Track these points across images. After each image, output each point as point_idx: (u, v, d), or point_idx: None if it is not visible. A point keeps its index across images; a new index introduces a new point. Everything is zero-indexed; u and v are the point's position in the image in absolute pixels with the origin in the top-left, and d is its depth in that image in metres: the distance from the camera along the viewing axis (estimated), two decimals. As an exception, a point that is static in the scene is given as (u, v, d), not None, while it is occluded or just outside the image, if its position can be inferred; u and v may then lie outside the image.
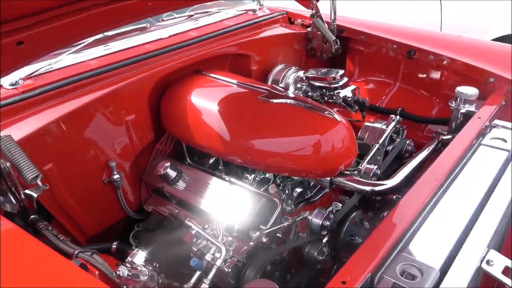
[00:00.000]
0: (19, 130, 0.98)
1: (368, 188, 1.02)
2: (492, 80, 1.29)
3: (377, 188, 1.01)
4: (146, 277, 0.78)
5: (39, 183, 0.85)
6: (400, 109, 1.49)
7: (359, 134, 1.36)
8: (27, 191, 0.86)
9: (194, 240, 0.94)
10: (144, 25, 1.39)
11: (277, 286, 0.62)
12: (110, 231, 1.28)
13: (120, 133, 1.21)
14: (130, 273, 0.75)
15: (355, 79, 1.76)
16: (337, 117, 1.05)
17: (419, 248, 0.73)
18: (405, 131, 1.38)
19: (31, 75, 1.11)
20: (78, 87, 1.13)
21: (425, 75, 1.49)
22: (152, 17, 1.43)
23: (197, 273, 0.84)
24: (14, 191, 0.89)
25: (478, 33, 2.44)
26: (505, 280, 0.83)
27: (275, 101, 1.09)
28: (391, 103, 1.57)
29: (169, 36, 1.39)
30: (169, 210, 1.24)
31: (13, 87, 1.07)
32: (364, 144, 1.33)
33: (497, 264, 0.85)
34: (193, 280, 0.84)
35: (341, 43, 1.72)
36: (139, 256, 0.83)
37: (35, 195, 0.86)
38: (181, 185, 1.24)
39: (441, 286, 0.67)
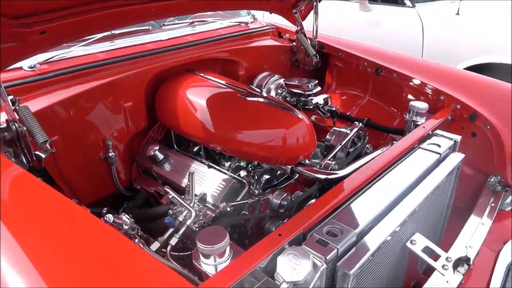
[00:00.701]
0: (34, 104, 1.17)
1: (322, 176, 1.21)
2: (442, 98, 1.50)
3: (330, 177, 1.20)
4: (127, 227, 0.96)
5: (48, 146, 1.05)
6: (366, 118, 1.69)
7: (327, 136, 1.56)
8: (37, 152, 1.05)
9: (171, 205, 1.13)
10: (147, 27, 1.60)
11: (225, 229, 0.80)
12: (101, 206, 1.46)
13: (118, 117, 1.41)
14: (115, 220, 0.93)
15: (332, 91, 1.97)
16: (300, 115, 1.25)
17: (346, 217, 0.92)
18: (367, 137, 1.58)
19: (47, 61, 1.31)
20: (85, 74, 1.33)
21: (389, 91, 1.69)
22: (155, 21, 1.64)
23: (170, 230, 1.03)
24: (26, 152, 1.07)
25: (455, 61, 2.68)
26: (423, 256, 1.02)
27: (250, 99, 1.30)
28: (360, 113, 1.77)
29: (168, 39, 1.60)
30: (155, 188, 1.42)
31: (31, 69, 1.27)
32: (330, 145, 1.52)
33: (419, 244, 1.04)
34: (166, 235, 1.02)
35: (322, 58, 1.93)
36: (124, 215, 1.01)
37: (43, 156, 1.05)
38: (167, 167, 1.43)
39: (355, 247, 0.86)
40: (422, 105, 1.44)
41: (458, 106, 1.45)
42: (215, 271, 0.79)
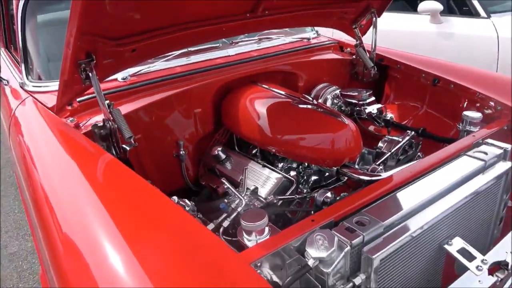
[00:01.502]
0: (124, 108, 1.44)
1: (366, 178, 1.30)
2: (500, 108, 1.49)
3: (372, 178, 1.29)
4: (189, 208, 1.16)
5: (132, 141, 1.29)
6: (422, 128, 1.72)
7: (379, 144, 1.63)
8: (123, 145, 1.31)
9: (227, 196, 1.31)
10: (218, 44, 1.83)
11: (265, 212, 0.95)
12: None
13: (189, 122, 1.64)
14: (179, 202, 1.14)
15: (391, 101, 2.02)
16: (346, 121, 1.36)
17: (377, 211, 1.01)
18: (420, 145, 1.62)
19: (136, 74, 1.60)
20: (165, 84, 1.58)
21: (446, 101, 1.71)
22: (226, 39, 1.87)
23: (224, 214, 1.21)
24: (115, 146, 1.34)
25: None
26: (458, 256, 1.06)
27: (302, 106, 1.44)
28: (416, 123, 1.80)
29: (235, 54, 1.81)
30: (218, 184, 1.62)
31: (124, 80, 1.56)
32: (381, 152, 1.60)
33: (455, 245, 1.09)
34: (220, 219, 1.20)
35: (382, 70, 2.01)
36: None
37: (128, 148, 1.30)
38: (228, 165, 1.62)
39: (382, 236, 0.95)
40: (475, 115, 1.45)
41: (514, 114, 1.44)
42: (255, 245, 0.94)
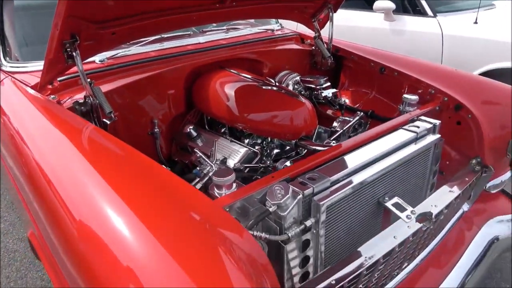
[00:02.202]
0: (102, 88, 1.57)
1: (319, 148, 1.51)
2: (433, 91, 1.74)
3: (324, 148, 1.49)
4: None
5: (112, 116, 1.43)
6: (370, 111, 1.95)
7: (334, 123, 1.85)
8: (104, 120, 1.44)
9: (199, 165, 1.48)
10: (189, 32, 1.99)
11: (232, 170, 1.13)
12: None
13: (163, 102, 1.79)
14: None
15: (345, 88, 2.25)
16: (304, 100, 1.56)
17: (325, 170, 1.20)
18: (368, 125, 1.85)
19: (112, 57, 1.72)
20: (140, 67, 1.72)
21: (391, 87, 1.95)
22: (196, 27, 2.02)
23: (197, 179, 1.38)
24: (96, 121, 1.47)
25: (473, 67, 2.86)
26: (392, 208, 1.28)
27: (265, 87, 1.63)
28: (366, 106, 2.04)
29: (205, 42, 1.97)
30: (190, 159, 1.78)
31: (101, 62, 1.68)
32: (335, 130, 1.81)
33: (391, 201, 1.31)
34: (193, 183, 1.37)
35: (338, 60, 2.23)
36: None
37: (108, 122, 1.44)
38: (199, 142, 1.79)
39: (329, 189, 1.15)
40: (412, 97, 1.69)
41: (446, 99, 1.69)
42: (223, 198, 1.11)
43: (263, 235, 1.03)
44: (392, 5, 3.29)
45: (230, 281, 0.76)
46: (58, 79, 1.57)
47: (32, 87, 1.56)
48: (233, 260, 0.80)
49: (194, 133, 1.78)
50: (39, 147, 1.24)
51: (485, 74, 2.79)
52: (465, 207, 1.72)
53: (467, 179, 1.51)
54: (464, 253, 1.58)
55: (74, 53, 1.34)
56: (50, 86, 1.56)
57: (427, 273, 1.48)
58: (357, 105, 2.08)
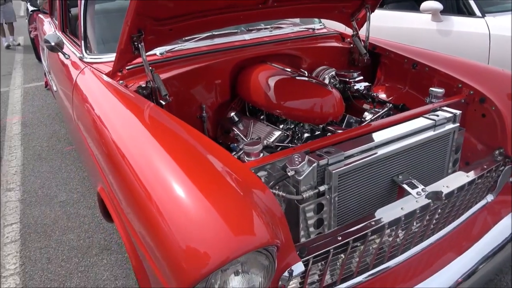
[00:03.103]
0: (161, 76, 1.87)
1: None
2: (460, 85, 1.84)
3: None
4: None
5: (167, 98, 1.71)
6: (402, 104, 2.07)
7: (364, 114, 2.00)
8: (161, 101, 1.73)
9: (237, 141, 1.72)
10: (236, 30, 2.24)
11: (260, 141, 1.34)
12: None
13: (211, 90, 2.05)
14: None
15: (381, 83, 2.38)
16: (332, 89, 1.74)
17: (342, 146, 1.38)
18: (396, 116, 1.97)
19: (170, 50, 2.02)
20: (193, 59, 2.00)
21: (422, 82, 2.06)
22: (243, 26, 2.27)
23: (233, 153, 1.61)
24: (155, 101, 1.76)
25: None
26: (405, 186, 1.42)
27: (298, 78, 1.83)
28: (398, 100, 2.15)
29: (250, 39, 2.22)
30: (232, 142, 2.03)
31: (161, 55, 1.99)
32: (365, 120, 1.97)
33: (405, 180, 1.46)
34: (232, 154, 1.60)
35: (374, 57, 2.37)
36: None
37: (163, 103, 1.72)
38: (240, 126, 2.03)
39: (343, 162, 1.32)
40: (439, 90, 1.80)
41: (471, 92, 1.78)
42: (252, 163, 1.34)
43: (281, 193, 1.24)
44: (440, 6, 3.31)
45: (253, 225, 0.99)
46: (127, 67, 1.89)
47: (106, 74, 1.90)
48: (256, 210, 1.02)
49: (236, 118, 2.02)
50: (111, 121, 1.55)
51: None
52: (490, 197, 1.79)
53: (485, 166, 1.60)
54: (481, 239, 1.65)
55: (139, 45, 1.65)
56: (119, 74, 1.89)
57: (443, 253, 1.59)
58: (390, 98, 2.20)
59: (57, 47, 2.16)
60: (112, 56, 2.08)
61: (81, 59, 2.18)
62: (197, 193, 1.04)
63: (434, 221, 1.50)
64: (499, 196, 1.79)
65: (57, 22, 3.10)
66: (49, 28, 3.65)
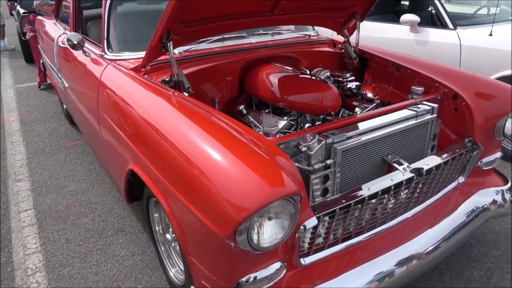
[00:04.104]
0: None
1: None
2: (436, 85, 2.18)
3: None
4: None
5: (190, 90, 1.97)
6: (387, 102, 2.40)
7: (355, 110, 2.32)
8: (184, 92, 1.98)
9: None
10: (244, 34, 2.53)
11: (277, 125, 1.62)
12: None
13: (222, 86, 2.32)
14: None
15: (368, 84, 2.71)
16: (331, 85, 2.05)
17: (343, 129, 1.68)
18: (383, 111, 2.30)
19: (187, 50, 2.28)
20: (207, 58, 2.27)
21: (404, 82, 2.39)
22: (249, 30, 2.56)
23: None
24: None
25: (487, 74, 3.23)
26: (393, 163, 1.73)
27: (301, 76, 2.13)
28: (384, 98, 2.49)
29: (256, 42, 2.51)
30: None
31: (179, 54, 2.25)
32: (355, 113, 2.28)
33: (393, 159, 1.77)
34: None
35: (363, 61, 2.70)
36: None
37: (186, 94, 1.98)
38: (250, 118, 2.30)
39: (346, 141, 1.62)
40: (418, 88, 2.13)
41: (446, 90, 2.13)
42: (270, 142, 1.62)
43: (297, 164, 1.52)
44: (417, 18, 3.71)
45: (282, 179, 1.26)
46: (150, 64, 2.14)
47: (131, 69, 2.14)
48: (284, 170, 1.29)
49: (245, 111, 2.29)
50: (144, 106, 1.81)
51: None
52: (461, 179, 2.12)
53: (457, 150, 1.93)
54: (453, 214, 1.97)
55: (168, 44, 1.91)
56: (143, 69, 2.13)
57: (420, 222, 1.90)
58: (377, 97, 2.53)
59: (79, 45, 2.40)
60: (131, 54, 2.35)
61: (102, 56, 2.41)
62: (232, 157, 1.32)
63: (416, 194, 1.82)
64: (468, 178, 2.13)
65: (69, 24, 3.30)
66: (55, 29, 3.84)
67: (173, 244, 2.01)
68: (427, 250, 1.76)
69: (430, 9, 4.08)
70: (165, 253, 2.08)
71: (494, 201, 2.10)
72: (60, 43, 3.24)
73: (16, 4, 8.41)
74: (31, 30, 5.55)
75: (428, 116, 1.92)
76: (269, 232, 1.25)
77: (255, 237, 1.23)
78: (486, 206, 2.07)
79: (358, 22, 2.59)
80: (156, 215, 2.07)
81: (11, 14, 9.38)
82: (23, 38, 6.81)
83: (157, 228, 2.10)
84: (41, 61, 5.29)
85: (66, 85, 3.19)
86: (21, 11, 7.06)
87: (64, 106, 4.34)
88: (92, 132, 2.64)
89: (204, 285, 1.50)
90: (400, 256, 1.69)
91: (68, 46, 2.48)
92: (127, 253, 2.34)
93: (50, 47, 3.74)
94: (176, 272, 2.01)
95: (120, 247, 2.39)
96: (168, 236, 2.01)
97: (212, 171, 1.30)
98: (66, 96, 3.35)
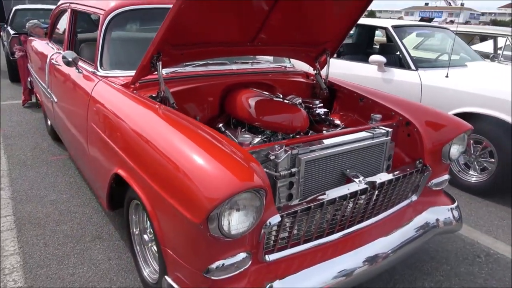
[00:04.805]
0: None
1: (308, 141, 2.23)
2: (393, 113, 2.48)
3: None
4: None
5: (174, 105, 2.20)
6: (350, 128, 2.67)
7: (323, 131, 2.59)
8: (169, 107, 2.20)
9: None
10: (226, 62, 2.81)
11: (251, 137, 1.85)
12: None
13: (204, 105, 2.56)
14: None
15: (336, 112, 3.00)
16: (301, 108, 2.31)
17: (308, 144, 1.92)
18: (347, 135, 2.57)
19: (174, 72, 2.53)
20: (191, 80, 2.52)
21: (367, 112, 2.69)
22: (230, 58, 2.85)
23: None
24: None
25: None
26: (350, 176, 1.98)
27: (275, 99, 2.40)
28: (349, 125, 2.77)
29: (236, 69, 2.79)
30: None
31: (166, 74, 2.49)
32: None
33: (352, 173, 2.02)
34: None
35: (332, 92, 3.01)
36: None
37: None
38: (227, 134, 2.53)
39: (309, 153, 1.86)
40: (377, 115, 2.42)
41: (400, 118, 2.42)
42: (243, 151, 1.84)
43: (266, 170, 1.74)
44: (384, 59, 4.12)
45: (251, 175, 1.48)
46: (139, 81, 2.37)
47: (121, 85, 2.36)
48: (253, 170, 1.51)
49: (223, 129, 2.52)
50: (132, 116, 2.02)
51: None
52: (414, 197, 2.38)
53: (408, 169, 2.20)
54: (405, 226, 2.21)
55: (157, 63, 2.15)
56: (132, 86, 2.36)
57: (376, 232, 2.12)
58: (343, 123, 2.82)
59: (73, 62, 2.62)
60: (120, 73, 2.58)
61: (94, 73, 2.63)
62: (208, 156, 1.55)
63: (371, 206, 2.05)
64: (420, 197, 2.39)
65: (63, 45, 3.52)
66: (47, 49, 4.05)
67: (149, 245, 2.16)
68: (379, 255, 1.97)
69: (397, 53, 4.51)
70: (140, 254, 2.22)
71: (443, 218, 2.36)
72: (53, 61, 3.45)
73: (5, 25, 8.61)
74: (20, 49, 5.73)
75: (383, 138, 2.20)
76: (236, 221, 1.45)
77: (225, 224, 1.43)
78: (434, 222, 2.32)
79: (328, 57, 2.92)
80: (135, 217, 2.22)
81: (-2, 37, 9.54)
82: (11, 58, 6.97)
83: (134, 230, 2.24)
84: (28, 79, 5.44)
85: (55, 100, 3.36)
86: (11, 32, 7.26)
87: (49, 122, 4.48)
88: (78, 143, 2.80)
89: (177, 276, 1.66)
90: (354, 258, 1.90)
91: (62, 63, 2.69)
92: (104, 258, 2.45)
93: (42, 65, 3.93)
94: (149, 272, 2.14)
95: (97, 252, 2.50)
96: (145, 236, 2.16)
97: (189, 168, 1.51)
98: (54, 110, 3.51)
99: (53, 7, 8.79)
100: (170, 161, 1.61)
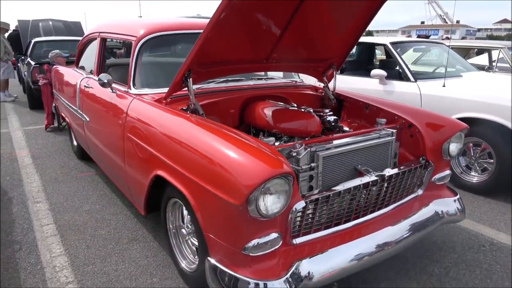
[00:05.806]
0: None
1: (322, 143, 2.53)
2: (396, 117, 2.78)
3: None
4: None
5: (203, 116, 2.51)
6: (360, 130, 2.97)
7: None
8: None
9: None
10: (243, 77, 3.14)
11: (274, 139, 2.15)
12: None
13: (226, 117, 2.87)
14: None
15: (344, 120, 3.30)
16: (314, 115, 2.62)
17: (325, 143, 2.22)
18: (356, 138, 2.87)
19: (199, 88, 2.86)
20: (215, 94, 2.84)
21: (372, 118, 2.99)
22: (247, 74, 3.18)
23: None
24: (193, 119, 2.55)
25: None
26: (362, 170, 2.26)
27: (291, 108, 2.71)
28: (357, 130, 3.06)
29: (253, 84, 3.12)
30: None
31: (193, 89, 2.81)
32: (334, 140, 2.84)
33: (363, 168, 2.31)
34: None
35: (339, 102, 3.32)
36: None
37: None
38: (247, 142, 2.83)
39: (325, 150, 2.14)
40: (382, 120, 2.73)
41: (403, 121, 2.72)
42: (268, 150, 2.13)
43: (290, 164, 2.03)
44: (385, 73, 4.46)
45: (281, 164, 1.77)
46: (170, 97, 2.69)
47: (155, 101, 2.69)
48: (283, 160, 1.81)
49: (245, 137, 2.83)
50: (168, 125, 2.33)
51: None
52: (420, 191, 2.65)
53: (412, 165, 2.48)
54: (411, 217, 2.47)
55: (188, 80, 2.48)
56: (164, 101, 2.68)
57: (386, 221, 2.38)
58: (351, 129, 3.11)
59: (108, 84, 2.96)
60: (150, 90, 2.91)
61: (127, 92, 2.97)
62: (242, 151, 1.85)
63: (382, 197, 2.32)
64: (425, 191, 2.66)
65: (92, 70, 3.89)
66: (75, 75, 4.42)
67: (186, 238, 2.42)
68: (391, 241, 2.23)
69: (397, 68, 4.85)
70: (177, 248, 2.48)
71: (448, 208, 2.62)
72: (84, 85, 3.80)
73: (23, 57, 9.11)
74: (43, 78, 6.13)
75: (389, 138, 2.49)
76: (270, 202, 1.73)
77: (262, 205, 1.71)
78: (440, 212, 2.58)
79: (334, 71, 3.25)
80: (171, 215, 2.50)
81: (14, 68, 10.07)
82: (33, 86, 7.39)
83: (171, 226, 2.52)
84: (53, 105, 5.81)
85: (87, 119, 3.69)
86: (32, 63, 7.72)
87: (75, 142, 4.81)
88: (112, 156, 3.11)
89: (218, 256, 1.92)
90: (369, 243, 2.16)
91: (93, 86, 3.03)
92: (142, 256, 2.71)
93: (71, 89, 4.30)
94: (186, 263, 2.40)
95: (135, 252, 2.76)
96: (183, 231, 2.43)
97: (227, 161, 1.81)
98: (85, 129, 3.84)
99: (67, 38, 9.37)
100: (207, 157, 1.91)
